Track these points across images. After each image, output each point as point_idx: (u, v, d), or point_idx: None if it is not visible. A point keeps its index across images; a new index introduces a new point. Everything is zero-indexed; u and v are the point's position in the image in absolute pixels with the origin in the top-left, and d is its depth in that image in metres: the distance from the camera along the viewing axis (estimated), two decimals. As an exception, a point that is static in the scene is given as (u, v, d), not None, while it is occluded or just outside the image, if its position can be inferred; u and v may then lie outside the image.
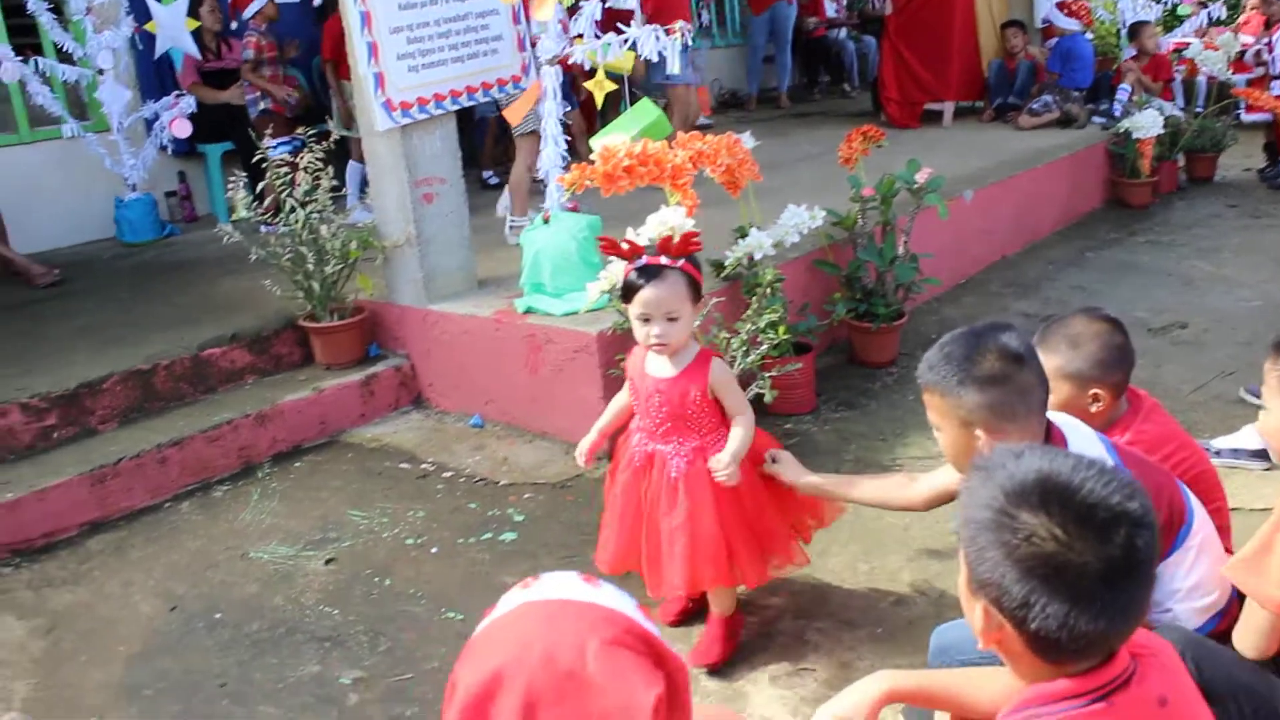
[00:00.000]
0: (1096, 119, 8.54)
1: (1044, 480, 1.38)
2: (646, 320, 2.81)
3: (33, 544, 3.94)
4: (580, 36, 4.48)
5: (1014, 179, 7.01)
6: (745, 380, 4.09)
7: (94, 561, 3.88)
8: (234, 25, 7.66)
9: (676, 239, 2.83)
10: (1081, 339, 2.58)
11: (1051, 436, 2.17)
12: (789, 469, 3.02)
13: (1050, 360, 2.46)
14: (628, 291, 2.84)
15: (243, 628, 3.38)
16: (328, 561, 3.74)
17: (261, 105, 7.55)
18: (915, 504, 2.79)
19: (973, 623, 1.47)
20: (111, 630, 3.44)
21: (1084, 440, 2.19)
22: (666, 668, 1.28)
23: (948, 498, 2.66)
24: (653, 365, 2.94)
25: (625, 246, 2.86)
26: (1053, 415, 2.23)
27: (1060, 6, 9.34)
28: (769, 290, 4.20)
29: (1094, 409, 2.57)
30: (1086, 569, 1.34)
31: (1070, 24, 9.19)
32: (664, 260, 2.81)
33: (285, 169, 4.75)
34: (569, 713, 1.22)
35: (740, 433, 2.90)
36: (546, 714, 1.22)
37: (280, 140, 6.07)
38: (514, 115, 4.73)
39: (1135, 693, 1.41)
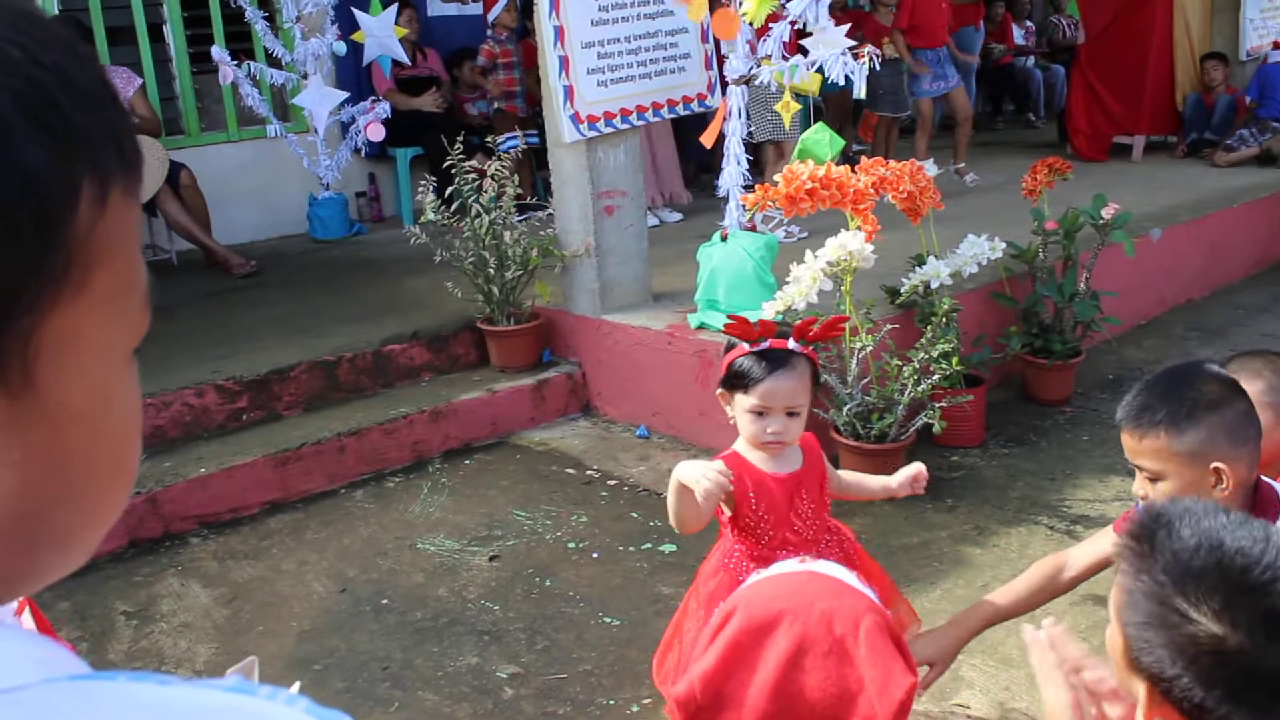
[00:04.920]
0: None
1: (1224, 570, 1.19)
2: (761, 414, 2.39)
3: (219, 518, 4.17)
4: (768, 57, 4.51)
5: (1206, 219, 6.73)
6: (915, 409, 4.05)
7: (273, 539, 4.08)
8: (488, 33, 7.99)
9: (823, 319, 2.43)
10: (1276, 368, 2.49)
11: (1260, 490, 2.08)
12: (936, 643, 2.45)
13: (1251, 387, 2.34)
14: (740, 381, 2.41)
15: (407, 615, 3.50)
16: (491, 558, 3.85)
17: (495, 105, 7.97)
18: (1066, 589, 2.54)
19: (1129, 690, 1.34)
20: (286, 606, 3.61)
21: None
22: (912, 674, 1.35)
23: (1102, 568, 2.43)
24: (768, 464, 2.48)
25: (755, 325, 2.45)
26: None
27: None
28: (944, 320, 4.15)
29: None
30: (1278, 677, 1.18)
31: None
32: (793, 345, 2.42)
33: (473, 175, 4.91)
34: (830, 669, 1.33)
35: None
36: (812, 663, 1.33)
37: (508, 136, 6.34)
38: (707, 139, 4.79)
39: None
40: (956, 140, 8.21)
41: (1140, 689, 1.28)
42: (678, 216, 7.39)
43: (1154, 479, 2.08)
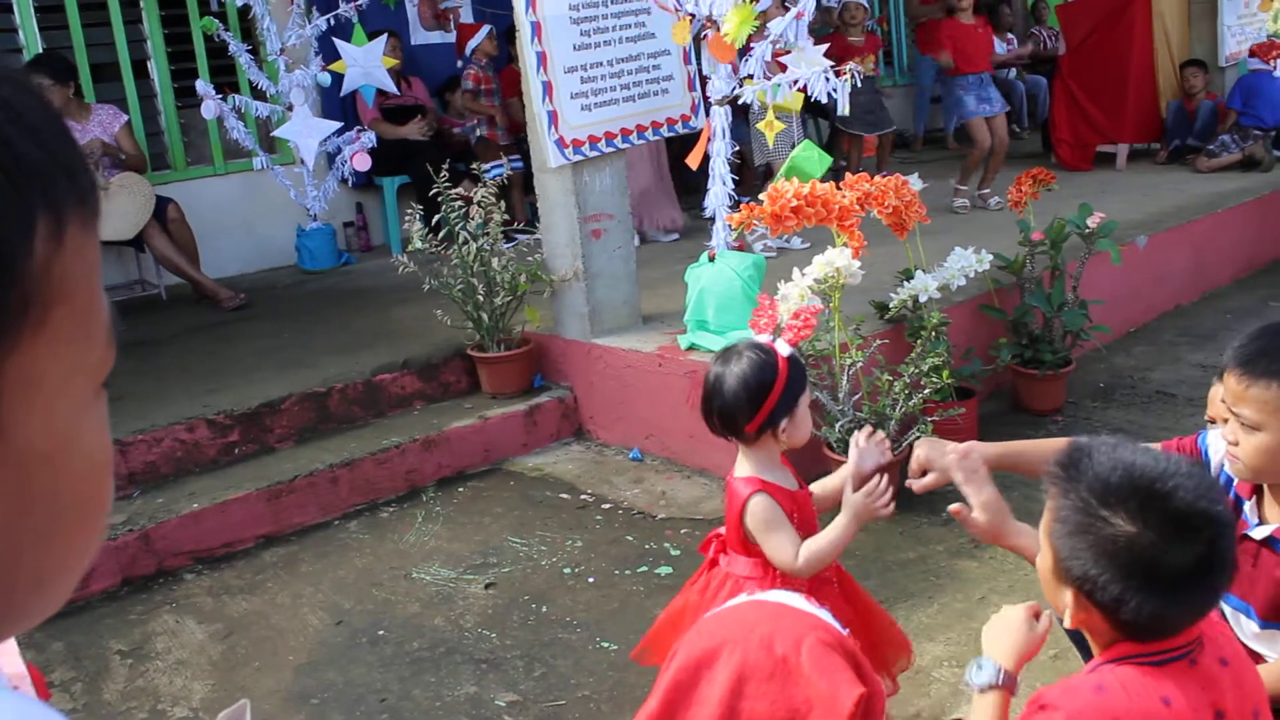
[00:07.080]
0: (1285, 162, 8.17)
1: (1135, 482, 1.45)
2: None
3: (213, 553, 4.16)
4: (750, 77, 4.52)
5: (1191, 224, 6.75)
6: (907, 423, 4.05)
7: (267, 573, 4.06)
8: (459, 63, 8.08)
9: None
10: None
11: None
12: (938, 449, 2.27)
13: None
14: (802, 383, 2.40)
15: (404, 645, 3.49)
16: (487, 586, 3.84)
17: (478, 132, 8.01)
18: None
19: (1057, 602, 1.56)
20: (282, 639, 3.59)
21: None
22: (868, 685, 1.36)
23: None
24: (788, 484, 2.46)
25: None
26: None
27: (1255, 52, 8.98)
28: (933, 334, 4.16)
29: None
30: (1181, 569, 1.43)
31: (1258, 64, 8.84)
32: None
33: (459, 202, 4.92)
34: (775, 693, 1.35)
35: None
36: (755, 689, 1.34)
37: (493, 164, 6.35)
38: (693, 160, 4.80)
39: (1208, 651, 1.52)
40: (989, 166, 8.15)
41: (1068, 596, 1.51)
42: (673, 236, 7.43)
43: (1252, 428, 1.95)
